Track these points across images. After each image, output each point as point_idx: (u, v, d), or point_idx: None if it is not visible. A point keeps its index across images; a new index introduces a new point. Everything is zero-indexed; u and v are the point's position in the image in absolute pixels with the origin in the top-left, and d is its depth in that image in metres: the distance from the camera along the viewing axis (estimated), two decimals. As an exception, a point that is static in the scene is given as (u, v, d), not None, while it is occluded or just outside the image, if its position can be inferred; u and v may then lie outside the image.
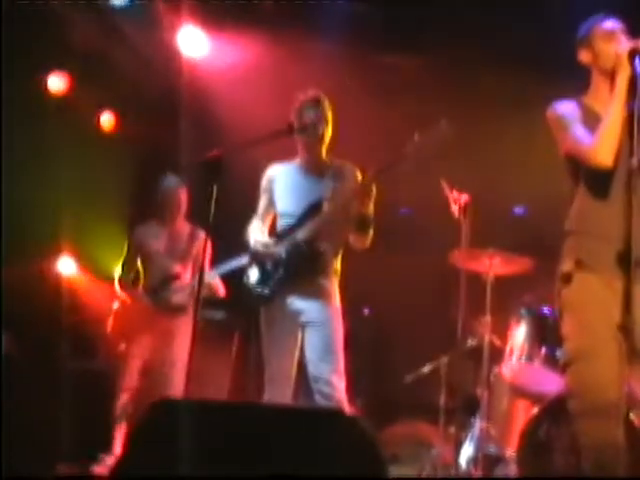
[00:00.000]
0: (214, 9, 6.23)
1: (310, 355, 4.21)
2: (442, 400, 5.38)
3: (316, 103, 4.32)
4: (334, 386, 4.13)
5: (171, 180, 5.81)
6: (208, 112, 6.51)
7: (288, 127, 4.14)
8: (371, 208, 4.18)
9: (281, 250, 4.27)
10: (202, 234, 5.47)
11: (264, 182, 4.50)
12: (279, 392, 4.21)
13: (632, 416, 3.89)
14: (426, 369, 5.58)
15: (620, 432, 3.13)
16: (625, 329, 3.07)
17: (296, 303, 4.26)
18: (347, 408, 4.12)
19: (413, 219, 6.47)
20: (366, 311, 6.48)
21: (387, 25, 6.24)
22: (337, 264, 4.39)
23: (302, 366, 4.28)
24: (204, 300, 4.84)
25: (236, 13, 6.25)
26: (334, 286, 4.33)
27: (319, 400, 4.15)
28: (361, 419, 2.60)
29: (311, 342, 4.22)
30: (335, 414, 2.78)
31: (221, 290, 5.65)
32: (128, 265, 5.85)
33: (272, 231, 4.48)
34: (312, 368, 4.19)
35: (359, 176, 4.34)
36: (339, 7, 6.26)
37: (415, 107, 6.26)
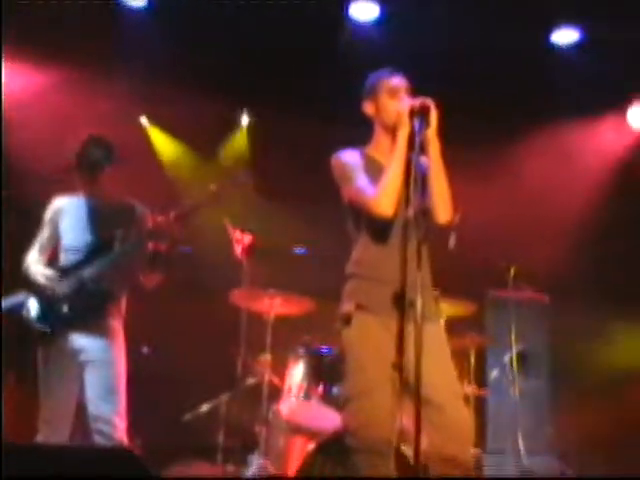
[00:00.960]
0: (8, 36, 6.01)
1: (91, 394, 4.13)
2: (221, 438, 5.41)
3: (102, 142, 4.29)
4: (115, 426, 4.09)
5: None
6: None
7: (75, 163, 4.11)
8: (166, 249, 4.21)
9: (66, 286, 4.17)
10: None
11: (49, 213, 4.39)
12: (55, 432, 4.10)
13: (404, 449, 4.11)
14: (205, 408, 5.59)
15: (391, 468, 3.30)
16: (399, 368, 3.26)
17: (79, 341, 4.17)
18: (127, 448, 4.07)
19: (196, 258, 6.50)
20: (145, 349, 6.39)
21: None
22: (124, 303, 4.35)
23: (81, 406, 4.19)
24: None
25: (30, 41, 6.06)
26: (120, 325, 4.29)
27: (98, 440, 4.08)
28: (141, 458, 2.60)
29: (92, 381, 4.14)
30: (118, 452, 2.77)
31: None
32: None
33: (52, 264, 4.36)
34: (92, 408, 4.12)
35: (149, 217, 4.34)
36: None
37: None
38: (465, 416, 3.30)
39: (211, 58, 6.30)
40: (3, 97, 5.77)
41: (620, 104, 6.90)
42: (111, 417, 4.10)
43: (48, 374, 4.18)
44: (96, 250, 4.23)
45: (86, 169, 4.28)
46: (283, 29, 6.09)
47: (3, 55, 5.76)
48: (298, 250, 6.46)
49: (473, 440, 3.37)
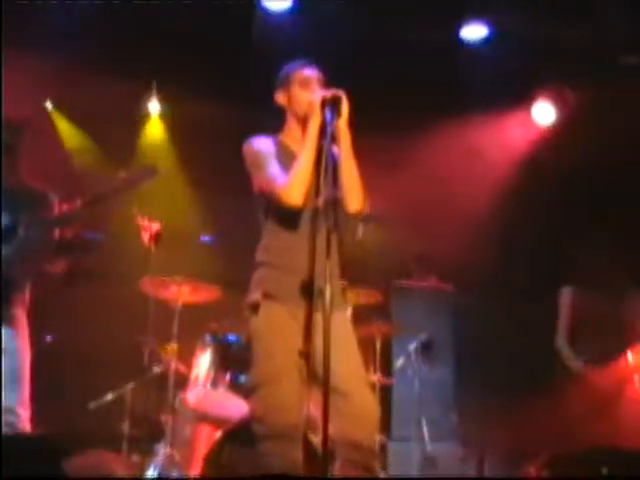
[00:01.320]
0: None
1: None
2: (126, 427, 5.35)
3: (11, 124, 4.20)
4: (19, 415, 4.02)
5: None
6: None
7: None
8: (72, 236, 4.14)
9: None
10: None
11: None
12: None
13: (311, 437, 4.16)
14: (110, 396, 5.51)
15: (298, 454, 3.33)
16: (306, 355, 3.29)
17: None
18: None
19: (103, 245, 6.40)
20: (48, 338, 6.27)
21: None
22: (27, 292, 4.25)
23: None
24: None
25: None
26: (23, 314, 4.20)
27: (3, 430, 3.98)
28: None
29: None
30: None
31: None
32: None
33: None
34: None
35: (55, 207, 4.25)
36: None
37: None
38: (371, 403, 3.36)
39: (124, 43, 6.19)
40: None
41: (526, 100, 7.07)
42: (14, 407, 4.02)
43: None
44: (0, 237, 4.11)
45: None
46: (198, 15, 6.03)
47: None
48: (205, 238, 6.43)
49: (378, 427, 3.42)
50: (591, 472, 4.04)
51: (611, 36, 6.18)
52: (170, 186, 6.52)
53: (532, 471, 4.31)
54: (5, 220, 4.16)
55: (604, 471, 3.98)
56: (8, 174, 4.26)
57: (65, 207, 4.21)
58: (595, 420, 4.92)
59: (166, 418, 5.09)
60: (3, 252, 4.07)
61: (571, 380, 5.27)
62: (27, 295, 4.27)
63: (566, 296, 5.30)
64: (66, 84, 6.36)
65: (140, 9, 5.98)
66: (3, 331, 4.09)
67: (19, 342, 4.13)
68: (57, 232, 4.20)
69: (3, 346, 4.07)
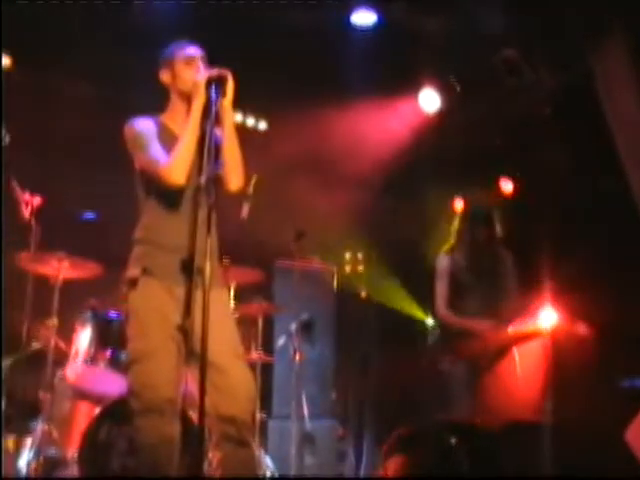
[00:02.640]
0: None
1: None
2: (2, 405, 5.24)
3: None
4: None
5: None
6: None
7: None
8: None
9: None
10: None
11: None
12: None
13: (190, 414, 4.19)
14: (-15, 373, 5.41)
15: (175, 429, 3.37)
16: (184, 331, 3.32)
17: None
18: None
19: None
20: None
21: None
22: None
23: None
24: None
25: None
26: None
27: None
28: None
29: None
30: None
31: None
32: None
33: None
34: None
35: None
36: None
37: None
38: (246, 378, 3.41)
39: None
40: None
41: (413, 87, 7.21)
42: None
43: None
44: None
45: None
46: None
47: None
48: (87, 216, 6.35)
49: (254, 401, 3.50)
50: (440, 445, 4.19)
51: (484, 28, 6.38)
52: (52, 160, 6.40)
53: (384, 449, 4.43)
54: None
55: (452, 442, 4.14)
56: None
57: None
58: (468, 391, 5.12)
59: (44, 395, 5.02)
60: None
61: (445, 349, 5.41)
62: None
63: (443, 262, 5.43)
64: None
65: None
66: None
67: None
68: None
69: None
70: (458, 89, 7.09)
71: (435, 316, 5.76)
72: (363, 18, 6.69)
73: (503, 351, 5.09)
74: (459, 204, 6.26)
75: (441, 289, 5.38)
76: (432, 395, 5.62)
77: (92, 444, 4.65)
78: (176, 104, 3.60)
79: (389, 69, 6.75)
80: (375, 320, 7.52)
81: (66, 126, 6.42)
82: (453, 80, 7.08)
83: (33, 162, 5.76)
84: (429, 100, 7.27)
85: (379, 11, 6.64)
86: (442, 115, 7.19)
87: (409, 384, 6.55)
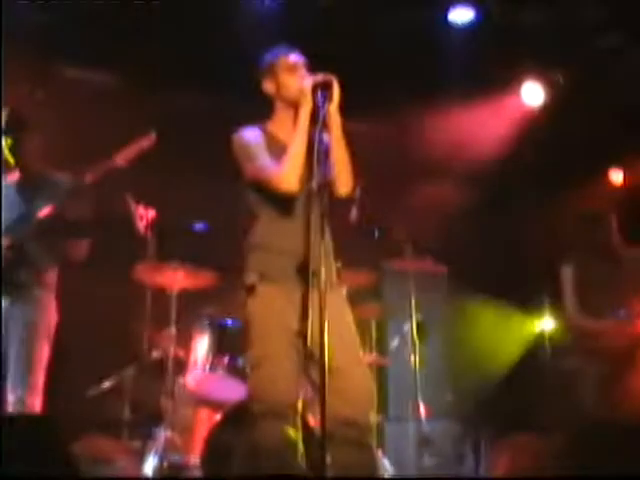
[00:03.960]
0: None
1: (11, 367, 4.11)
2: (126, 413, 5.41)
3: (16, 121, 4.30)
4: (27, 405, 4.09)
5: None
6: None
7: None
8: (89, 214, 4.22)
9: None
10: None
11: None
12: None
13: (309, 417, 4.22)
14: (109, 382, 5.57)
15: (295, 432, 3.38)
16: (303, 336, 3.34)
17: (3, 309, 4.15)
18: None
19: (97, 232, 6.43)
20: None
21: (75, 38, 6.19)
22: (52, 276, 4.36)
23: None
24: None
25: None
26: (48, 297, 4.31)
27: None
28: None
29: (14, 353, 4.14)
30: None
31: None
32: None
33: None
34: (11, 380, 4.11)
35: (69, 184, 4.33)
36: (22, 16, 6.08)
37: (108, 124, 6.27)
38: (366, 380, 3.42)
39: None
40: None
41: (515, 81, 7.11)
42: (23, 395, 4.08)
43: None
44: (16, 223, 4.20)
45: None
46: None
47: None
48: (198, 226, 6.47)
49: (374, 404, 3.48)
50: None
51: (584, 18, 6.24)
52: (163, 173, 6.56)
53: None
54: (21, 206, 4.25)
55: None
56: (22, 162, 4.36)
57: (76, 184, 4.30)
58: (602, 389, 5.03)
59: (166, 402, 5.15)
60: (20, 236, 4.15)
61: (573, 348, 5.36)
62: (52, 279, 4.31)
63: (567, 272, 5.40)
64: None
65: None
66: (26, 312, 4.15)
67: (38, 326, 4.19)
68: (73, 214, 4.31)
69: (24, 328, 4.14)
70: (561, 81, 6.96)
71: (565, 319, 5.67)
72: (461, 15, 6.64)
73: (635, 347, 4.99)
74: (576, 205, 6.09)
75: (570, 298, 5.37)
76: (554, 394, 5.51)
77: (214, 449, 4.73)
78: (282, 112, 3.63)
79: (489, 65, 6.68)
80: (490, 318, 7.41)
81: (175, 138, 6.57)
82: (557, 72, 6.95)
83: (146, 175, 5.89)
84: (532, 94, 7.16)
85: (476, 7, 6.58)
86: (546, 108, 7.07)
87: (528, 383, 6.44)
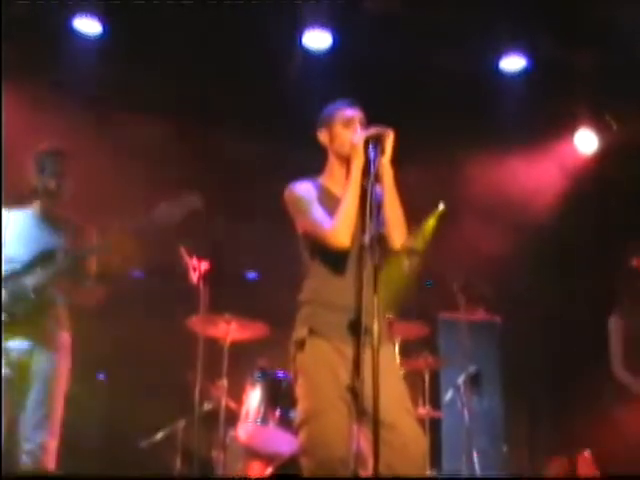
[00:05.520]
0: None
1: (27, 410, 4.04)
2: (178, 465, 5.39)
3: (58, 154, 4.30)
4: (46, 450, 4.01)
5: None
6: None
7: (27, 194, 4.15)
8: (113, 264, 4.23)
9: (6, 294, 4.11)
10: None
11: None
12: None
13: (360, 473, 4.15)
14: (161, 434, 5.58)
15: None
16: (354, 391, 3.30)
17: (20, 349, 4.11)
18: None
19: (150, 284, 6.49)
20: (101, 377, 6.37)
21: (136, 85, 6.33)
22: (66, 318, 4.31)
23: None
24: None
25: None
26: (64, 339, 4.25)
27: (25, 461, 3.98)
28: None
29: (31, 395, 4.06)
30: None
31: None
32: None
33: None
34: (26, 426, 4.03)
35: (95, 235, 4.37)
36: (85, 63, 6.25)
37: (158, 171, 6.36)
38: (417, 434, 3.36)
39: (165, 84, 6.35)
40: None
41: (568, 129, 7.06)
42: (44, 439, 4.01)
43: None
44: (38, 261, 4.18)
45: (42, 182, 4.28)
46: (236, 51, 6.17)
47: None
48: (250, 275, 6.48)
49: (426, 458, 3.42)
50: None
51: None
52: (214, 221, 6.60)
53: None
54: (45, 245, 4.25)
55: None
56: (54, 202, 4.37)
57: (104, 235, 4.31)
58: None
59: (217, 454, 5.13)
60: (41, 276, 4.14)
61: (629, 405, 5.32)
62: (67, 321, 4.30)
63: (615, 323, 5.38)
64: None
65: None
66: (43, 353, 4.11)
67: (59, 366, 4.16)
68: (94, 262, 4.29)
69: (42, 368, 4.09)
70: (615, 127, 6.89)
71: (612, 374, 5.59)
72: (512, 63, 6.64)
73: None
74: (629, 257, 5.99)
75: (616, 350, 5.34)
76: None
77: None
78: (334, 165, 3.63)
79: (542, 112, 6.65)
80: (543, 367, 7.29)
81: (227, 188, 6.64)
82: (610, 118, 6.89)
83: (199, 225, 5.94)
84: (586, 141, 7.09)
85: (528, 55, 6.57)
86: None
87: (584, 432, 6.29)
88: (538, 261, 7.21)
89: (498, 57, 6.60)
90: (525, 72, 6.58)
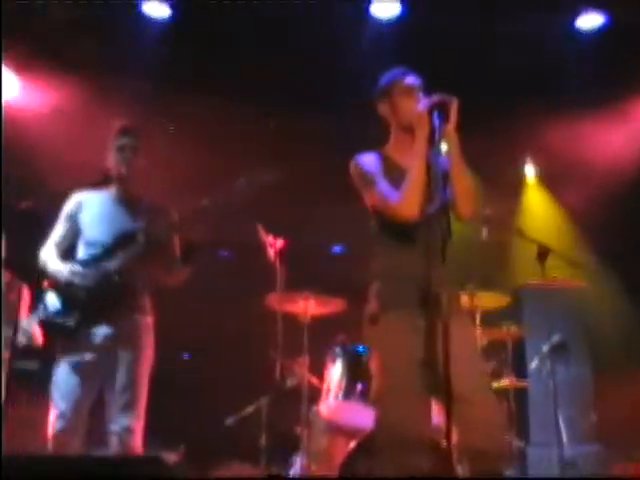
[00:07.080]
0: (23, 51, 6.13)
1: (113, 393, 4.06)
2: (263, 441, 5.44)
3: (132, 132, 4.25)
4: (132, 431, 4.02)
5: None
6: (18, 155, 6.33)
7: (103, 178, 4.16)
8: (197, 241, 4.23)
9: (90, 279, 4.10)
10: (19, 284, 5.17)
11: (69, 208, 4.34)
12: (70, 429, 3.99)
13: (442, 444, 4.11)
14: (247, 411, 5.64)
15: (425, 462, 3.25)
16: (428, 365, 3.24)
17: (104, 335, 4.10)
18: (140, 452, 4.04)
19: (230, 262, 6.55)
20: (186, 356, 6.48)
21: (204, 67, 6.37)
22: (148, 300, 4.29)
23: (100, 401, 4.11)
24: (21, 349, 4.52)
25: (46, 55, 6.17)
26: (147, 322, 4.22)
27: (113, 442, 4.00)
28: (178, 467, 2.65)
29: (116, 379, 4.06)
30: (154, 461, 2.82)
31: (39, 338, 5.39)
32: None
33: (68, 258, 4.27)
34: (113, 409, 4.05)
35: (175, 214, 4.30)
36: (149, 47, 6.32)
37: (235, 152, 6.39)
38: (495, 409, 3.30)
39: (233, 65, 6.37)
40: (3, 102, 5.84)
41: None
42: (130, 422, 4.01)
43: (68, 367, 4.06)
44: (119, 243, 4.16)
45: (118, 158, 4.23)
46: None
47: (3, 58, 5.82)
48: (335, 249, 6.46)
49: (504, 431, 3.36)
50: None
51: None
52: (295, 199, 6.59)
53: None
54: (125, 227, 4.22)
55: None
56: (130, 183, 4.32)
57: (184, 213, 4.22)
58: None
59: (301, 430, 5.16)
60: (124, 257, 4.13)
61: None
62: (148, 304, 4.26)
63: None
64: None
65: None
66: (126, 337, 4.09)
67: (141, 349, 4.14)
68: (177, 243, 4.27)
69: (126, 352, 4.08)
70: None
71: None
72: (589, 21, 6.43)
73: None
74: None
75: None
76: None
77: (349, 476, 4.70)
78: (398, 135, 3.55)
79: (619, 72, 6.42)
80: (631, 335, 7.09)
81: (305, 162, 6.64)
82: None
83: (278, 202, 5.93)
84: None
85: (606, 12, 6.35)
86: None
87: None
88: (627, 228, 7.00)
89: (575, 15, 6.40)
90: (602, 30, 6.37)
